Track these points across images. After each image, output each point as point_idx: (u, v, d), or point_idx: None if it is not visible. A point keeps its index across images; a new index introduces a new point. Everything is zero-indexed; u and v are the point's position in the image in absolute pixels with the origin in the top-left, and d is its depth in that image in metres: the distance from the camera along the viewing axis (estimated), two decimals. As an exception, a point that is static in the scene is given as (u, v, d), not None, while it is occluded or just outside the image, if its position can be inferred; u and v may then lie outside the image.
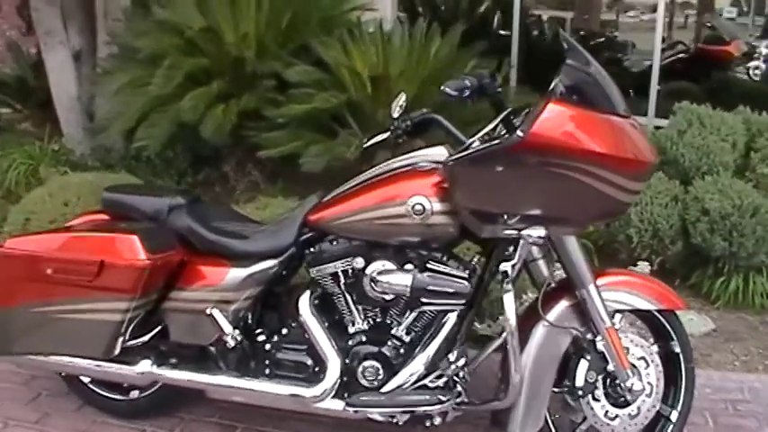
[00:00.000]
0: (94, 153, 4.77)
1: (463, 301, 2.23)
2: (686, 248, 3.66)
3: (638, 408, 2.32)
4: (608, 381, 2.31)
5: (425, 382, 2.30)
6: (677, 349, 2.42)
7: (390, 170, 2.35)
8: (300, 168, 4.32)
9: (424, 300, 2.23)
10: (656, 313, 2.39)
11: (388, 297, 2.30)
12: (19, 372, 2.91)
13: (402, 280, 2.23)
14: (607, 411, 2.31)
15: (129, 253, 2.25)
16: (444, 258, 2.31)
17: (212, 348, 2.45)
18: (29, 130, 5.62)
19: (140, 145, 4.14)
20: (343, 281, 2.38)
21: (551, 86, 2.11)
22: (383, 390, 2.31)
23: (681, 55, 7.14)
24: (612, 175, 2.09)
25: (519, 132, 2.02)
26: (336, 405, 2.32)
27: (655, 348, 2.38)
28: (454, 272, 2.25)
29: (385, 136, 2.49)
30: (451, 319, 2.32)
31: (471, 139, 2.27)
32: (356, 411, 2.30)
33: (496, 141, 2.09)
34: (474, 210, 2.16)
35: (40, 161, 4.54)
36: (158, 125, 4.09)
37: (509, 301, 2.16)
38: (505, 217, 2.15)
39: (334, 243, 2.38)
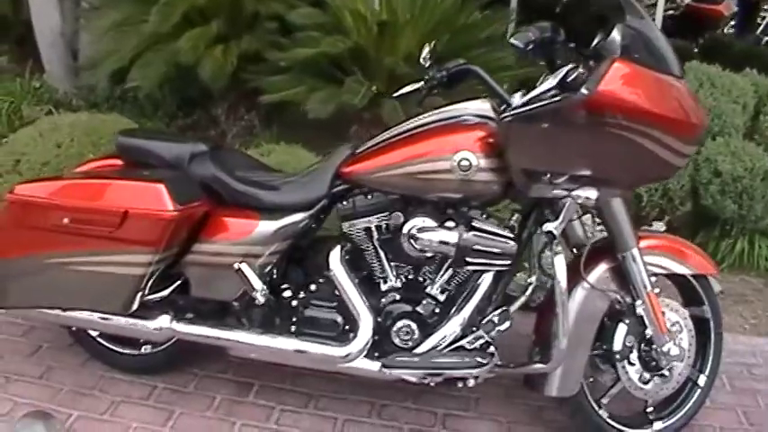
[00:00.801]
0: (78, 92, 4.50)
1: (509, 262, 2.16)
2: (695, 209, 3.65)
3: (671, 372, 2.30)
4: (642, 345, 2.29)
5: (463, 343, 2.24)
6: (708, 315, 2.40)
7: (430, 123, 2.24)
8: (296, 114, 4.19)
9: (468, 259, 2.14)
10: (689, 278, 2.36)
11: (426, 255, 2.22)
12: (16, 322, 2.78)
13: (446, 238, 2.14)
14: (641, 375, 2.29)
15: (155, 203, 2.10)
16: (484, 217, 2.23)
17: (235, 304, 2.34)
18: (6, 67, 5.27)
19: (132, 85, 3.89)
20: (376, 236, 2.29)
21: (596, 43, 2.02)
22: (417, 351, 2.24)
23: (670, 12, 7.06)
24: (669, 138, 2.02)
25: (584, 90, 1.91)
26: (371, 365, 2.24)
27: (687, 313, 2.36)
28: (499, 231, 2.16)
29: (417, 86, 2.38)
30: (487, 278, 2.24)
31: (518, 95, 2.17)
32: (391, 373, 2.23)
33: (557, 98, 1.98)
34: (526, 168, 2.07)
35: (22, 99, 4.26)
36: (153, 65, 3.86)
37: (560, 263, 2.09)
38: (557, 176, 2.07)
39: (369, 197, 2.28)
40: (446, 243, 2.13)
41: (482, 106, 2.21)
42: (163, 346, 2.51)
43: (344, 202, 2.30)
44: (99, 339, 2.55)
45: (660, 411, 2.39)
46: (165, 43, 3.81)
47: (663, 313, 2.25)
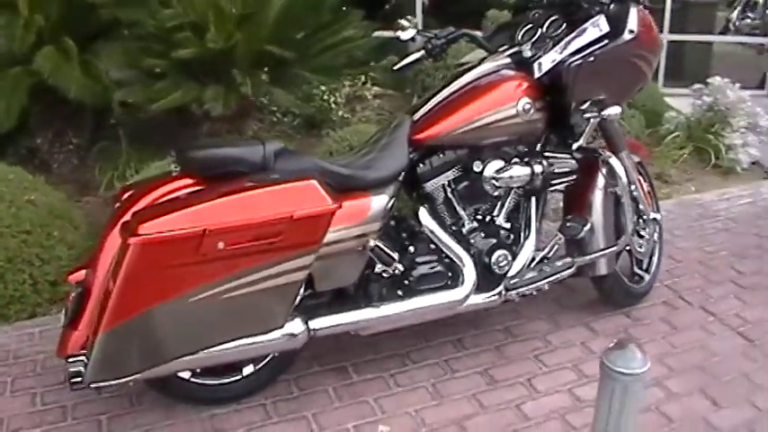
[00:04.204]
0: None
1: (575, 176, 2.64)
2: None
3: (648, 232, 3.04)
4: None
5: (545, 254, 2.68)
6: (647, 187, 3.20)
7: (474, 80, 2.57)
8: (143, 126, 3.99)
9: (553, 182, 2.58)
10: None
11: (500, 192, 2.58)
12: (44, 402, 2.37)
13: (530, 171, 2.53)
14: (638, 242, 2.99)
15: (315, 201, 2.07)
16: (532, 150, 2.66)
17: (350, 287, 2.41)
18: None
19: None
20: (450, 189, 2.56)
21: None
22: (510, 274, 2.61)
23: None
24: (653, 57, 2.73)
25: (629, 32, 2.53)
26: (492, 295, 2.56)
27: (645, 189, 3.13)
28: (563, 154, 2.63)
29: (418, 55, 2.68)
30: (533, 199, 2.70)
31: (525, 47, 2.63)
32: (515, 294, 2.59)
33: (608, 41, 2.51)
34: (582, 101, 2.56)
35: None
36: (0, 98, 3.25)
37: (618, 165, 2.65)
38: (596, 102, 2.60)
39: (441, 155, 2.53)
40: (532, 174, 2.53)
41: (505, 60, 2.63)
42: (265, 361, 2.43)
43: (422, 165, 2.52)
44: (193, 380, 2.35)
45: (641, 266, 3.12)
46: (7, 70, 3.24)
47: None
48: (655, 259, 3.17)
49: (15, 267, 2.84)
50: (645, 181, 3.12)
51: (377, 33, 5.13)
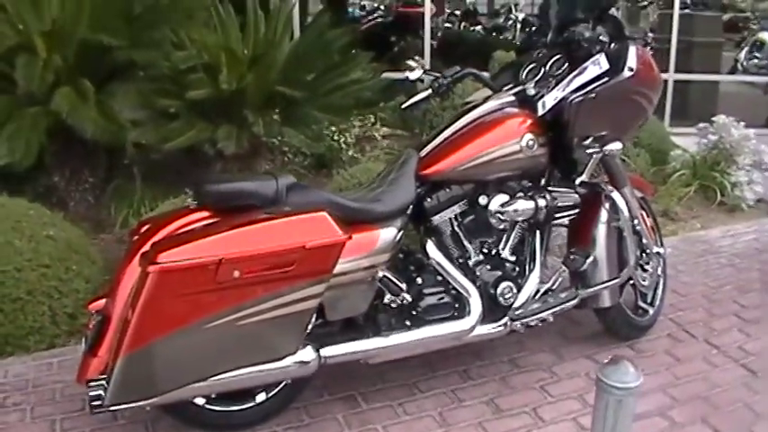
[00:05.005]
0: None
1: (578, 210, 2.72)
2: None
3: (652, 266, 3.10)
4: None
5: (548, 286, 2.75)
6: (651, 222, 3.27)
7: (479, 117, 2.67)
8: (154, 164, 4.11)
9: (557, 215, 2.66)
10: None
11: (505, 226, 2.66)
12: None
13: (536, 205, 2.61)
14: (642, 275, 3.06)
15: (326, 232, 2.17)
16: (536, 185, 2.75)
17: (359, 317, 2.48)
18: None
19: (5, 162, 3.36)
20: (456, 222, 2.65)
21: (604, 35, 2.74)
22: (515, 305, 2.67)
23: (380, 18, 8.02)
24: (654, 95, 2.82)
25: (628, 70, 2.62)
26: (498, 325, 2.62)
27: (648, 223, 3.20)
28: (567, 189, 2.71)
29: (426, 94, 2.79)
30: (537, 233, 2.77)
31: (530, 85, 2.74)
32: (520, 324, 2.64)
33: (607, 79, 2.62)
34: (584, 135, 2.65)
35: None
36: (19, 136, 3.40)
37: (620, 200, 2.73)
38: (598, 138, 2.69)
39: (448, 190, 2.62)
40: (537, 208, 2.61)
41: (509, 98, 2.73)
42: (276, 390, 2.49)
43: (429, 199, 2.61)
44: (208, 406, 2.41)
45: (645, 300, 3.17)
46: (25, 110, 3.38)
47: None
48: (659, 293, 3.22)
49: (35, 300, 2.93)
50: (648, 216, 3.19)
51: (385, 75, 5.32)
